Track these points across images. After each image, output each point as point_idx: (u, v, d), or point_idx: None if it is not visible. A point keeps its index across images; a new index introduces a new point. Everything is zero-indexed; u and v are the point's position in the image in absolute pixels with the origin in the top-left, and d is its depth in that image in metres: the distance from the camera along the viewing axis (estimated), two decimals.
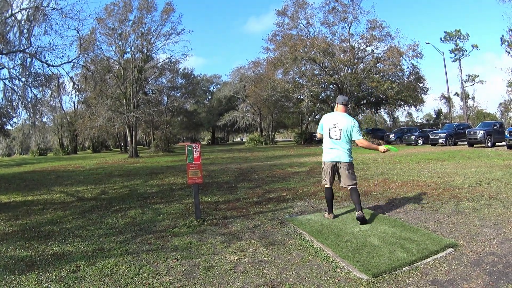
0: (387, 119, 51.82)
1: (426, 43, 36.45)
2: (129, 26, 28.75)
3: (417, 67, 33.69)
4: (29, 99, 15.20)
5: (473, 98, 49.90)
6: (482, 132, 21.28)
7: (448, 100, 45.93)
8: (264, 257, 4.02)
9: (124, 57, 29.70)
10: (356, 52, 31.50)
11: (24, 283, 3.53)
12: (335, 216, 5.47)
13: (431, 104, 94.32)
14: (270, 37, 34.09)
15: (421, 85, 36.25)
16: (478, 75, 53.07)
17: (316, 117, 49.21)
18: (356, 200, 5.16)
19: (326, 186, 5.48)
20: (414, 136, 29.12)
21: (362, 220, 4.96)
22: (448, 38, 45.92)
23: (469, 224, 4.82)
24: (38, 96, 15.98)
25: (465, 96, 44.98)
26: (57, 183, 11.88)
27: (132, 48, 29.58)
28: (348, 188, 5.32)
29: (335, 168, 5.35)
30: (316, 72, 33.95)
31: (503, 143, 19.76)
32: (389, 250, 3.93)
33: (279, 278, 3.43)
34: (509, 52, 34.97)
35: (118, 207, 7.31)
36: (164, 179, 11.62)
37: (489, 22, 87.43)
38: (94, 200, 8.26)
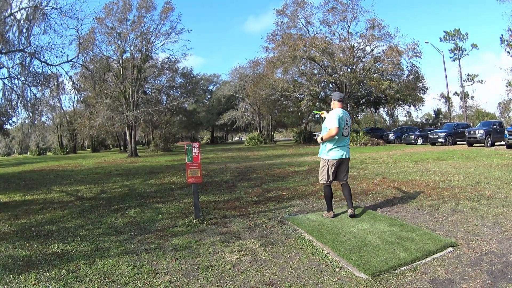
0: (387, 118, 51.83)
1: (426, 42, 36.47)
2: (129, 26, 28.71)
3: (416, 67, 33.70)
4: (28, 99, 15.20)
5: (472, 97, 49.97)
6: (481, 131, 21.28)
7: (447, 99, 45.97)
8: (264, 256, 4.03)
9: (123, 57, 29.66)
10: (356, 51, 31.47)
11: (24, 282, 3.53)
12: (335, 215, 5.47)
13: (431, 103, 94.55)
14: (269, 36, 34.09)
15: (420, 84, 36.25)
16: (478, 75, 53.26)
17: (316, 116, 49.27)
18: (349, 195, 5.42)
19: (326, 184, 5.46)
20: (413, 136, 29.12)
21: (354, 216, 5.32)
22: (447, 38, 45.92)
23: (469, 224, 4.83)
24: (38, 95, 15.99)
25: (464, 96, 44.99)
26: (56, 183, 11.87)
27: (132, 48, 29.55)
28: (341, 183, 5.53)
29: (338, 165, 5.41)
30: (316, 72, 33.92)
31: (503, 142, 19.75)
32: (388, 250, 3.93)
33: (279, 277, 3.44)
34: (508, 52, 34.97)
35: (118, 206, 7.30)
36: (164, 179, 11.61)
37: (489, 21, 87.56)
38: (93, 200, 8.26)
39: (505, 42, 34.71)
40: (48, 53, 14.90)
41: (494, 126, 22.47)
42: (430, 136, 26.01)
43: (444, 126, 29.54)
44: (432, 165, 12.17)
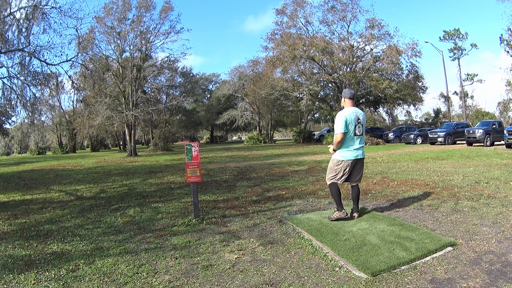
0: (386, 118, 51.80)
1: (425, 42, 36.45)
2: (128, 25, 28.68)
3: (416, 66, 33.73)
4: (27, 98, 15.19)
5: (472, 97, 49.94)
6: (481, 131, 21.31)
7: (447, 99, 45.96)
8: (263, 256, 4.03)
9: (123, 56, 29.62)
10: (355, 51, 31.49)
11: (23, 282, 3.52)
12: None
13: (430, 103, 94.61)
14: (269, 36, 34.09)
15: (420, 84, 36.26)
16: (477, 74, 53.26)
17: (315, 116, 49.29)
18: (357, 198, 5.30)
19: (333, 181, 5.24)
20: (413, 135, 29.15)
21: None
22: (447, 37, 45.90)
23: (468, 223, 4.83)
24: (37, 95, 15.98)
25: (464, 95, 45.01)
26: (56, 182, 11.86)
27: (131, 47, 29.51)
28: (353, 185, 5.33)
29: (352, 165, 5.19)
30: (315, 71, 33.92)
31: (502, 142, 19.78)
32: (388, 249, 3.93)
33: (278, 277, 3.44)
34: (508, 51, 34.97)
35: (117, 206, 7.30)
36: (163, 178, 11.61)
37: (488, 21, 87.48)
38: (93, 199, 8.26)
39: (505, 42, 34.70)
40: (47, 53, 14.93)
41: (494, 126, 22.49)
42: (430, 136, 26.04)
43: (443, 125, 29.57)
44: (431, 164, 12.18)
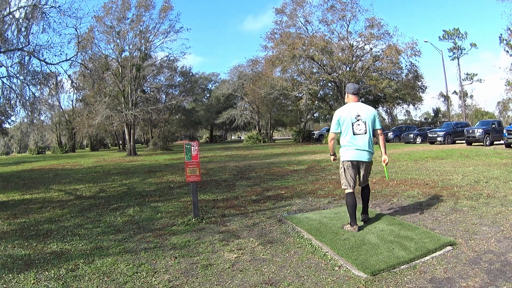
0: (386, 117, 51.75)
1: (425, 41, 36.30)
2: (127, 24, 28.66)
3: (415, 66, 33.68)
4: (27, 97, 15.17)
5: (471, 96, 49.90)
6: (480, 130, 21.30)
7: (446, 98, 45.95)
8: (263, 255, 4.03)
9: (122, 55, 29.60)
10: (355, 50, 31.47)
11: (23, 281, 3.52)
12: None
13: (430, 102, 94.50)
14: (268, 35, 34.03)
15: (419, 83, 36.25)
16: (477, 74, 53.20)
17: (315, 115, 49.27)
18: (366, 198, 5.05)
19: (347, 190, 4.77)
20: (412, 135, 29.15)
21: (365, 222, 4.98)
22: (446, 37, 45.87)
23: (467, 223, 4.84)
24: (36, 94, 15.96)
25: (463, 95, 45.01)
26: (55, 182, 11.86)
27: (130, 46, 29.49)
28: (363, 186, 5.02)
29: (356, 167, 4.78)
30: (315, 70, 33.89)
31: (501, 141, 19.79)
32: (387, 248, 3.94)
33: (278, 276, 3.44)
34: (507, 51, 34.95)
35: (117, 205, 7.30)
36: (163, 177, 11.61)
37: (487, 21, 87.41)
38: (92, 199, 8.26)
39: (504, 42, 34.68)
40: (47, 52, 14.90)
41: (493, 125, 22.51)
42: (429, 135, 26.03)
43: (443, 125, 29.57)
44: (431, 164, 12.18)
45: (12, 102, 15.21)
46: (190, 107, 57.57)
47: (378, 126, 4.77)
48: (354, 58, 31.34)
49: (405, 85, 32.27)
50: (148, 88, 35.98)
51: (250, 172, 12.14)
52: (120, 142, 48.18)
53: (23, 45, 14.14)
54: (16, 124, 33.22)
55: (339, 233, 4.55)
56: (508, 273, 3.24)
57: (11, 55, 14.40)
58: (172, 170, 13.90)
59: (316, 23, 36.47)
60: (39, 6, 13.80)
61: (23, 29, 14.02)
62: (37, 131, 44.12)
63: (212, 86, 61.06)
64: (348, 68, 31.45)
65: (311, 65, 33.50)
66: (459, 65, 45.19)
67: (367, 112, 4.70)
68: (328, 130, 41.71)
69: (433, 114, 52.96)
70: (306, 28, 32.92)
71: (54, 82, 17.22)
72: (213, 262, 3.87)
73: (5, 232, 5.51)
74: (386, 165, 5.02)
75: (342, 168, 4.82)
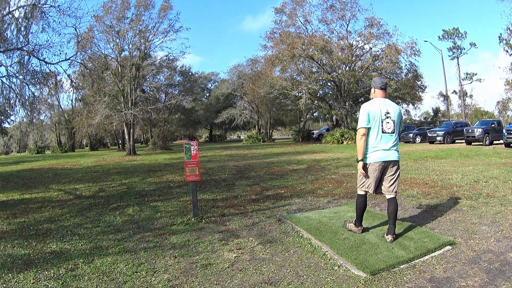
0: None
1: (424, 41, 36.29)
2: (127, 24, 28.65)
3: (415, 65, 33.77)
4: (26, 97, 15.13)
5: (471, 96, 49.95)
6: (480, 130, 21.32)
7: (446, 98, 45.98)
8: (262, 254, 4.03)
9: (121, 55, 29.59)
10: (354, 49, 31.50)
11: (23, 281, 3.52)
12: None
13: (429, 102, 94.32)
14: (268, 34, 34.07)
15: (419, 83, 36.32)
16: (476, 73, 53.11)
17: (314, 114, 49.28)
18: (393, 214, 4.27)
19: (360, 192, 4.44)
20: (412, 134, 29.15)
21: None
22: (446, 36, 45.88)
23: (467, 222, 4.84)
24: (36, 94, 15.91)
25: (463, 94, 45.05)
26: (55, 181, 11.85)
27: (130, 46, 29.49)
28: (389, 197, 4.34)
29: (383, 170, 4.29)
30: (314, 70, 33.92)
31: (501, 141, 19.80)
32: (387, 248, 3.94)
33: (277, 275, 3.44)
34: (507, 51, 34.94)
35: (116, 205, 7.30)
36: (162, 177, 11.61)
37: (486, 21, 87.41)
38: (92, 198, 8.25)
39: (504, 41, 34.67)
40: (46, 51, 14.85)
41: (493, 125, 22.52)
42: (429, 135, 26.04)
43: (442, 124, 29.57)
44: (430, 163, 12.19)
45: (11, 102, 15.17)
46: (190, 107, 57.57)
47: (401, 127, 4.50)
48: (353, 58, 31.37)
49: (405, 85, 32.31)
50: (148, 88, 35.99)
51: (250, 171, 12.14)
52: (120, 142, 48.22)
53: (23, 45, 14.11)
54: (15, 124, 33.18)
55: (339, 233, 4.55)
56: (507, 273, 3.24)
57: (11, 55, 14.36)
58: (172, 169, 13.89)
59: (316, 22, 36.54)
60: (39, 5, 13.77)
61: (22, 28, 13.99)
62: (36, 130, 44.13)
63: (211, 85, 61.10)
64: (347, 68, 31.49)
65: (311, 65, 33.53)
66: (458, 64, 45.28)
67: (395, 110, 4.30)
68: (328, 130, 41.54)
69: (432, 114, 53.01)
70: (306, 28, 32.98)
71: (54, 82, 17.17)
72: (213, 261, 3.87)
73: (5, 231, 5.50)
74: None
75: (368, 168, 4.31)
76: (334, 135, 30.53)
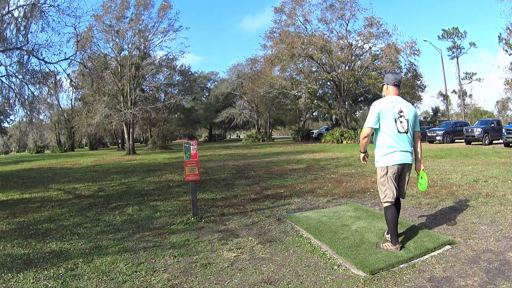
0: None
1: (424, 40, 36.24)
2: (126, 23, 28.64)
3: (414, 65, 33.79)
4: (26, 97, 15.12)
5: (470, 95, 49.87)
6: (479, 129, 21.33)
7: (445, 97, 45.97)
8: (262, 254, 4.03)
9: (121, 54, 29.56)
10: (354, 49, 31.50)
11: (22, 281, 3.52)
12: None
13: (429, 101, 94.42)
14: (267, 34, 34.07)
15: (418, 82, 36.30)
16: (476, 73, 53.00)
17: (314, 114, 49.26)
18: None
19: (387, 203, 3.95)
20: None
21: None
22: (445, 36, 45.83)
23: (466, 222, 4.84)
24: (35, 93, 15.91)
25: (462, 94, 45.01)
26: (54, 181, 11.85)
27: (129, 45, 29.47)
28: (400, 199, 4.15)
29: (399, 174, 3.99)
30: (314, 69, 33.93)
31: (500, 140, 19.82)
32: None
33: (277, 275, 3.44)
34: (506, 50, 34.92)
35: (116, 204, 7.30)
36: (162, 176, 11.60)
37: (486, 20, 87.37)
38: (91, 198, 8.25)
39: (503, 41, 34.65)
40: (46, 51, 14.85)
41: (492, 125, 22.53)
42: (428, 134, 26.05)
43: (442, 124, 29.58)
44: (430, 163, 12.19)
45: (11, 101, 15.16)
46: (189, 106, 57.51)
47: (418, 128, 4.10)
48: (353, 57, 31.38)
49: (404, 84, 32.28)
50: (147, 87, 35.98)
51: (249, 171, 12.14)
52: (119, 141, 48.17)
53: (22, 44, 14.10)
54: (15, 123, 33.24)
55: (338, 232, 4.55)
56: (507, 272, 3.24)
57: (10, 54, 14.36)
58: (171, 169, 13.89)
59: (315, 22, 36.60)
60: (38, 5, 13.75)
61: (22, 28, 13.98)
62: (36, 130, 44.03)
63: (211, 85, 61.05)
64: (347, 67, 31.49)
65: (310, 64, 33.54)
66: (458, 64, 45.23)
67: (410, 109, 3.99)
68: (327, 129, 41.50)
69: (432, 113, 53.04)
70: (305, 27, 32.98)
71: (53, 81, 17.16)
72: (212, 261, 3.87)
73: (4, 231, 5.50)
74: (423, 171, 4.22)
75: (385, 175, 3.95)
76: (333, 135, 30.54)
